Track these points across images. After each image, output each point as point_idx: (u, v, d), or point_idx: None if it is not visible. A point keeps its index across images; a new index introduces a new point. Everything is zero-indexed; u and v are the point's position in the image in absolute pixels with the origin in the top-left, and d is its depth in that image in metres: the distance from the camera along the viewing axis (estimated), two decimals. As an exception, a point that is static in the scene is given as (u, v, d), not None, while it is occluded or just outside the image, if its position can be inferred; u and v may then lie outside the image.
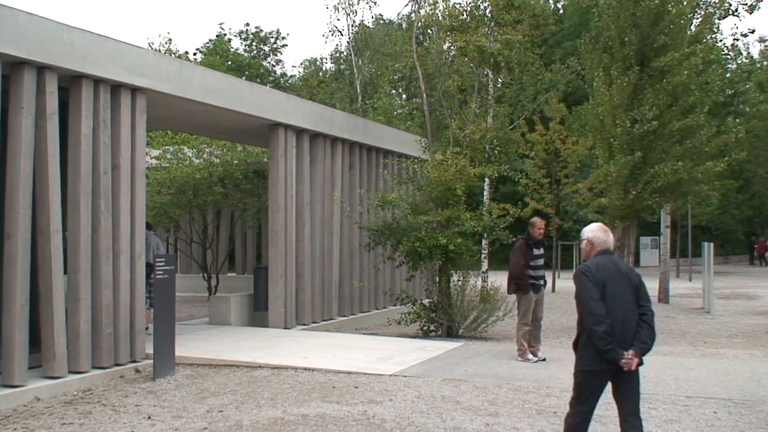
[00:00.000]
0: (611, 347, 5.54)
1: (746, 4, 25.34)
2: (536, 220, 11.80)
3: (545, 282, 11.87)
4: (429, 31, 19.16)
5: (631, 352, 5.59)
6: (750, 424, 7.76)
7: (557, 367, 10.88)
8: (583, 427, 5.84)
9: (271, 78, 55.78)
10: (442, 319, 14.21)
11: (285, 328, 14.39)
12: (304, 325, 14.95)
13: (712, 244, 22.37)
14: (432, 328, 14.38)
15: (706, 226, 48.59)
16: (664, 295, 24.06)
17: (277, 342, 12.85)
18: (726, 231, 54.79)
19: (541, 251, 11.67)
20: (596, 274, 5.70)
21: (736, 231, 55.46)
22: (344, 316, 16.45)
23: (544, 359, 11.39)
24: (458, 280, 14.50)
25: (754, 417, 8.04)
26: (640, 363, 5.70)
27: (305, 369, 10.60)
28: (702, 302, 21.90)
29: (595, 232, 6.03)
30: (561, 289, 27.75)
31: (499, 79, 23.43)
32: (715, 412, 8.25)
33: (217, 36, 56.15)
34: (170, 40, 46.45)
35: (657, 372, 10.56)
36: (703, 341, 14.47)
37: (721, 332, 15.91)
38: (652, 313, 5.84)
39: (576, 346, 5.92)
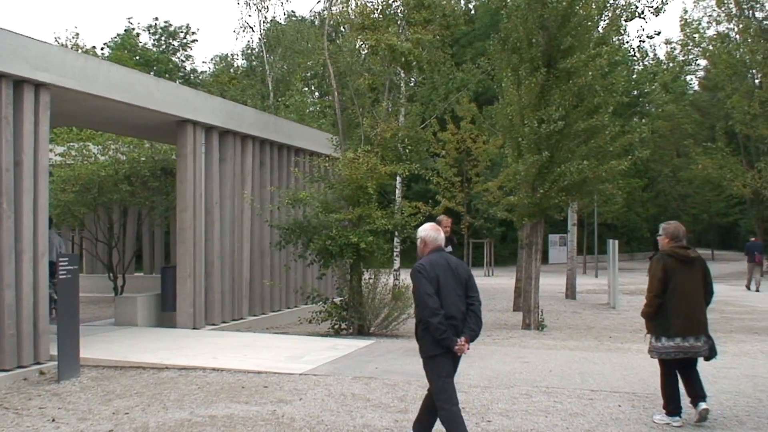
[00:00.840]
0: (446, 335, 6.23)
1: (652, 7, 26.06)
2: (442, 217, 11.92)
3: None
4: (341, 28, 19.13)
5: (462, 339, 6.31)
6: (652, 416, 7.98)
7: (466, 364, 10.95)
8: (457, 403, 6.43)
9: (180, 74, 54.96)
10: (354, 318, 14.23)
11: (193, 328, 14.20)
12: (213, 325, 14.77)
13: (617, 242, 23.01)
14: (343, 326, 14.39)
15: (612, 224, 49.91)
16: (570, 291, 24.62)
17: (185, 342, 12.66)
18: (631, 228, 56.39)
19: (449, 249, 11.76)
20: (430, 271, 6.31)
21: (642, 228, 57.09)
22: (255, 315, 16.32)
23: None
24: (369, 278, 14.54)
25: (657, 410, 8.28)
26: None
27: (214, 369, 10.47)
28: (607, 298, 22.48)
29: (427, 231, 6.62)
30: (472, 287, 28.13)
31: (412, 78, 23.60)
32: (619, 406, 8.47)
33: (125, 30, 55.08)
34: (77, 34, 45.36)
35: (562, 366, 10.81)
36: (608, 336, 14.84)
37: (625, 327, 16.34)
38: (479, 303, 6.56)
39: (417, 335, 6.59)
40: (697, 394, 7.83)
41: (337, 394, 8.89)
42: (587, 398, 8.82)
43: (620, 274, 29.64)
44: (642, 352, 12.11)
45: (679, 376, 7.97)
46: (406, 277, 18.36)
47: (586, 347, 13.12)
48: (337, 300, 14.80)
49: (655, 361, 9.76)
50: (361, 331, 14.18)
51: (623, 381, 9.90)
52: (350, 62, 16.30)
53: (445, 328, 6.21)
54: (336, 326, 14.36)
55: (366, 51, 16.49)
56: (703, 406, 7.73)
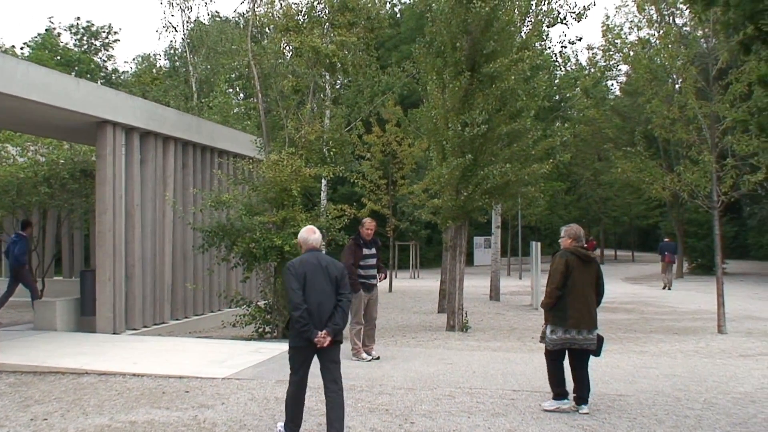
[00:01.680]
0: (307, 328, 6.79)
1: (574, 13, 26.52)
2: (366, 220, 11.93)
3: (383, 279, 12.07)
4: (266, 30, 18.99)
5: (324, 332, 6.83)
6: (573, 416, 8.12)
7: (390, 366, 11.04)
8: (299, 395, 7.10)
9: (102, 74, 53.91)
10: (278, 321, 14.14)
11: (114, 333, 13.94)
12: (134, 329, 14.52)
13: (539, 243, 23.32)
14: (267, 329, 14.29)
15: (536, 226, 50.68)
16: (494, 293, 24.89)
17: (105, 347, 12.41)
18: (554, 231, 57.12)
19: (373, 251, 11.76)
20: (299, 268, 6.92)
21: (564, 231, 58.02)
22: (177, 319, 16.09)
23: (377, 358, 11.52)
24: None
25: (545, 399, 8.46)
26: (339, 341, 7.07)
27: (134, 375, 10.28)
28: (531, 299, 22.79)
29: (301, 234, 7.35)
30: (398, 289, 28.21)
31: (337, 81, 23.56)
32: (540, 405, 8.58)
33: (46, 30, 53.79)
34: (-5, 34, 44.14)
35: (485, 367, 10.92)
36: (531, 337, 15.03)
37: (547, 328, 16.58)
38: (348, 301, 7.14)
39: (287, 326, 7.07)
40: (582, 396, 8.42)
41: (260, 398, 8.81)
42: (509, 398, 8.93)
43: (543, 276, 30.11)
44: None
45: (571, 373, 8.53)
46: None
47: (509, 348, 13.28)
48: (262, 303, 14.68)
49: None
50: (286, 335, 14.07)
51: (545, 381, 9.97)
52: (274, 64, 16.19)
53: (306, 321, 6.78)
54: (260, 330, 14.25)
55: (290, 53, 16.40)
56: (584, 410, 8.32)
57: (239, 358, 11.43)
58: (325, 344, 6.87)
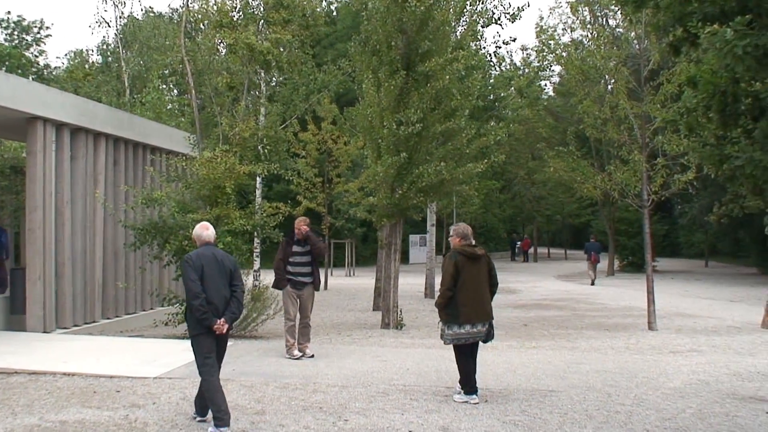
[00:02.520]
0: (206, 316, 7.27)
1: (508, 14, 26.78)
2: (300, 219, 11.94)
3: (317, 280, 11.93)
4: (201, 26, 18.79)
5: (222, 320, 7.37)
6: (505, 412, 8.19)
7: (324, 364, 11.02)
8: (217, 383, 7.41)
9: (33, 69, 52.68)
10: (211, 319, 13.96)
11: (44, 332, 13.67)
12: (64, 328, 14.24)
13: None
14: (201, 328, 14.10)
15: (471, 224, 50.96)
16: (430, 291, 25.00)
17: (35, 347, 12.16)
18: (489, 229, 57.92)
19: (306, 249, 11.70)
20: (196, 261, 7.39)
21: (499, 229, 58.73)
22: (108, 318, 15.82)
23: (312, 356, 11.47)
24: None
25: (510, 405, 8.50)
26: (230, 328, 7.60)
27: (64, 374, 10.08)
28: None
29: (196, 230, 7.84)
30: (333, 287, 28.18)
31: (273, 78, 23.41)
32: (453, 397, 8.68)
33: (-25, 25, 52.40)
34: None
35: (419, 364, 10.97)
36: (465, 334, 15.12)
37: (482, 325, 16.71)
38: (242, 291, 7.73)
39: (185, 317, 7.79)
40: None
41: (192, 398, 8.69)
42: (443, 395, 8.98)
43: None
44: (497, 350, 12.47)
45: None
46: (266, 278, 18.24)
47: (443, 345, 13.30)
48: (195, 302, 14.48)
49: (511, 359, 10.16)
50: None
51: (478, 378, 10.08)
52: (208, 60, 16.03)
53: (206, 310, 7.26)
54: (192, 329, 14.06)
55: (225, 50, 16.25)
56: (474, 399, 8.70)
57: (171, 357, 11.29)
58: (224, 331, 7.45)
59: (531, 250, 58.54)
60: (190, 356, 11.33)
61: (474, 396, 8.72)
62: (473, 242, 9.12)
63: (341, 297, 24.27)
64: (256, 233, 14.80)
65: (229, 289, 7.53)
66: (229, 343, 12.60)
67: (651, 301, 16.22)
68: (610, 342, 14.08)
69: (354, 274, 38.04)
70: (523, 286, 30.07)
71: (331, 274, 32.01)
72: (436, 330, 15.65)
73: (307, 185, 26.06)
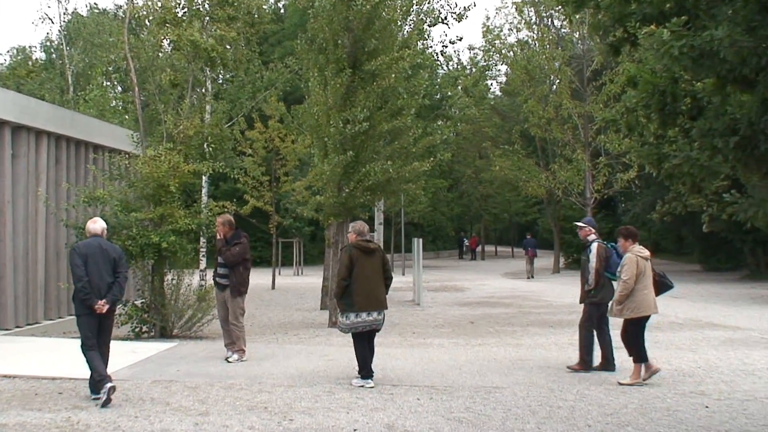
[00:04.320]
0: (88, 296, 8.36)
1: (455, 13, 26.91)
2: (218, 217, 11.90)
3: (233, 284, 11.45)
4: (145, 22, 18.54)
5: (103, 301, 8.43)
6: (450, 409, 8.24)
7: (271, 363, 10.98)
8: (98, 358, 8.55)
9: (-25, 66, 51.60)
10: (155, 320, 13.82)
11: (-16, 333, 13.38)
12: (6, 330, 13.93)
13: (421, 240, 23.59)
14: (144, 329, 13.95)
15: (419, 223, 51.22)
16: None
17: (-25, 349, 11.91)
18: (437, 227, 58.16)
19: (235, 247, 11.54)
20: (82, 249, 8.57)
21: (447, 227, 58.96)
22: (51, 319, 15.52)
23: (235, 360, 11.20)
24: (172, 279, 14.18)
25: (454, 402, 8.56)
26: (112, 309, 8.88)
27: (5, 376, 9.88)
28: (413, 295, 23.03)
29: (87, 224, 9.05)
30: (281, 286, 28.05)
31: (219, 76, 23.22)
32: (418, 399, 8.69)
33: None
34: None
35: (365, 363, 10.97)
36: (412, 332, 15.19)
37: (429, 323, 16.79)
38: (125, 278, 8.86)
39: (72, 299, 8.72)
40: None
41: (135, 399, 8.62)
42: (388, 393, 9.00)
43: (426, 272, 30.49)
44: (444, 347, 12.54)
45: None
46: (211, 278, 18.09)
47: (389, 343, 13.37)
48: (138, 302, 14.33)
49: (456, 356, 10.24)
50: (164, 334, 13.80)
51: (423, 375, 10.18)
52: (152, 57, 15.82)
53: (88, 291, 8.34)
54: (137, 329, 13.89)
55: (169, 46, 16.06)
56: (370, 383, 9.40)
57: (114, 359, 11.02)
58: (104, 311, 8.48)
59: (479, 249, 58.96)
60: (135, 357, 11.28)
61: (369, 380, 9.46)
62: (369, 238, 10.00)
63: (289, 296, 24.17)
64: (201, 232, 14.66)
65: (113, 276, 8.61)
66: (172, 344, 12.62)
67: (595, 298, 16.40)
68: (555, 338, 14.23)
69: (302, 273, 37.92)
70: (471, 284, 30.26)
71: (279, 274, 31.87)
72: (388, 328, 15.70)
73: (254, 184, 25.90)
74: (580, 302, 11.01)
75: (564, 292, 25.82)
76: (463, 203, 57.53)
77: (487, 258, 57.97)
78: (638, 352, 9.83)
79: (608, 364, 10.72)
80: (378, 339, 13.50)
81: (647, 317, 9.94)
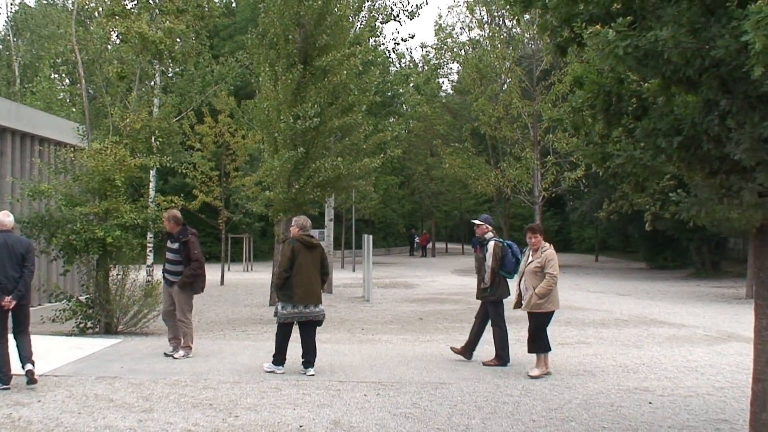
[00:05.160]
0: None
1: (407, 11, 26.98)
2: (165, 212, 11.83)
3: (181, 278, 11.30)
4: (94, 14, 18.27)
5: (9, 297, 8.55)
6: (396, 404, 8.25)
7: (217, 360, 10.90)
8: (5, 350, 8.85)
9: None
10: (100, 316, 13.63)
11: None
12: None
13: (371, 236, 23.60)
14: (89, 324, 13.74)
15: (370, 220, 51.23)
16: (327, 285, 24.94)
17: None
18: (388, 224, 58.22)
19: (175, 246, 11.44)
20: None
21: (398, 224, 59.09)
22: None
23: (181, 357, 11.09)
24: (118, 275, 14.00)
25: (401, 398, 8.58)
26: (23, 304, 8.86)
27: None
28: (362, 291, 23.03)
29: None
30: (230, 282, 27.86)
31: (169, 69, 22.95)
32: (365, 395, 8.69)
33: None
34: None
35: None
36: (361, 328, 15.19)
37: (378, 319, 16.80)
38: (30, 273, 8.81)
39: None
40: (309, 360, 10.04)
41: (78, 395, 8.49)
42: (335, 389, 8.98)
43: (376, 268, 30.53)
44: (392, 343, 12.56)
45: (301, 342, 10.08)
46: (159, 273, 17.89)
47: (338, 339, 13.37)
48: (83, 298, 14.12)
49: (404, 352, 10.30)
50: (109, 330, 13.62)
51: (371, 371, 10.18)
52: (100, 49, 15.60)
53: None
54: (81, 325, 13.68)
55: (118, 38, 15.85)
56: (311, 372, 9.87)
57: (58, 354, 10.97)
58: (10, 306, 8.61)
59: (429, 246, 59.16)
60: (79, 353, 11.13)
61: (281, 367, 9.95)
62: (311, 233, 10.29)
63: (237, 292, 24.01)
64: (148, 227, 14.49)
65: (20, 270, 8.67)
66: (117, 340, 12.46)
67: (542, 295, 16.58)
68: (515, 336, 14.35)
69: (252, 269, 37.72)
70: (420, 281, 30.35)
71: (228, 269, 31.67)
72: (337, 324, 15.74)
73: (204, 179, 25.65)
74: (477, 298, 11.42)
75: (512, 289, 26.06)
76: (413, 200, 57.69)
77: (438, 255, 58.20)
78: (547, 344, 10.17)
79: (502, 360, 10.96)
80: (326, 335, 13.57)
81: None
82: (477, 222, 11.41)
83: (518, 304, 10.41)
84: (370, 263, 22.39)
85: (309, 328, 10.10)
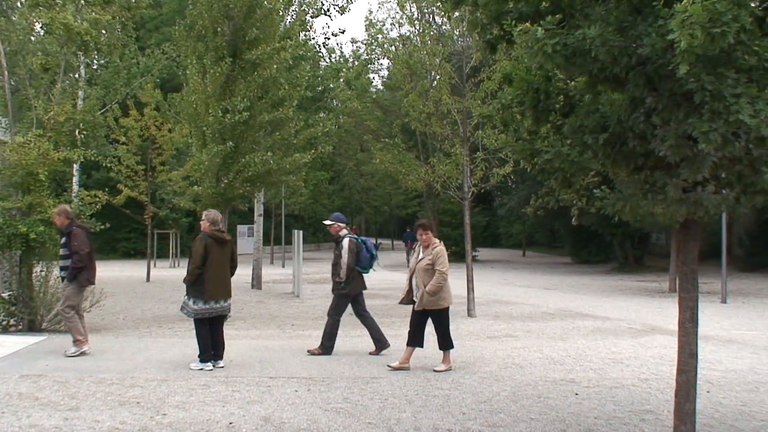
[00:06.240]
0: None
1: (338, 6, 26.92)
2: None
3: (75, 273, 11.16)
4: (18, 4, 17.76)
5: None
6: (327, 399, 8.25)
7: (144, 357, 10.76)
8: None
9: None
10: (23, 313, 13.31)
11: None
12: None
13: (301, 232, 23.50)
14: (12, 322, 13.41)
15: (299, 215, 51.04)
16: (257, 282, 24.82)
17: None
18: (318, 219, 57.98)
19: (63, 240, 11.34)
20: None
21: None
22: None
23: (72, 354, 10.92)
24: (42, 271, 13.68)
25: (332, 393, 8.58)
26: None
27: None
28: (293, 287, 22.94)
29: None
30: (156, 278, 27.46)
31: (95, 61, 22.44)
32: (296, 391, 8.68)
33: None
34: None
35: (243, 356, 10.90)
36: (291, 324, 15.14)
37: (308, 315, 16.76)
38: None
39: None
40: (218, 354, 10.10)
41: (2, 394, 8.29)
42: (265, 385, 8.94)
43: (306, 264, 30.42)
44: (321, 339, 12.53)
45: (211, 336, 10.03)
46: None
47: (268, 336, 13.32)
48: (5, 295, 13.76)
49: (335, 346, 10.28)
50: (32, 327, 13.31)
51: (301, 367, 10.17)
52: (23, 40, 15.16)
53: None
54: (4, 322, 13.34)
55: (41, 29, 15.45)
56: (220, 364, 9.99)
57: (-22, 353, 10.69)
58: None
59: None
60: (1, 351, 10.85)
61: (209, 364, 9.88)
62: (222, 228, 10.31)
63: (164, 289, 23.67)
64: (71, 222, 14.17)
65: None
66: (41, 338, 12.18)
67: (471, 289, 16.76)
68: (431, 329, 14.40)
69: (179, 266, 37.22)
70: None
71: (155, 266, 31.19)
72: (267, 321, 15.65)
73: (129, 173, 25.18)
74: (332, 292, 11.52)
75: (400, 285, 26.30)
76: (344, 196, 57.65)
77: (368, 251, 58.20)
78: (449, 339, 10.24)
79: (381, 344, 11.31)
80: (256, 331, 13.52)
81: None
82: (328, 222, 11.74)
83: (405, 300, 10.48)
84: (301, 259, 22.31)
85: (218, 321, 10.20)
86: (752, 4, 4.74)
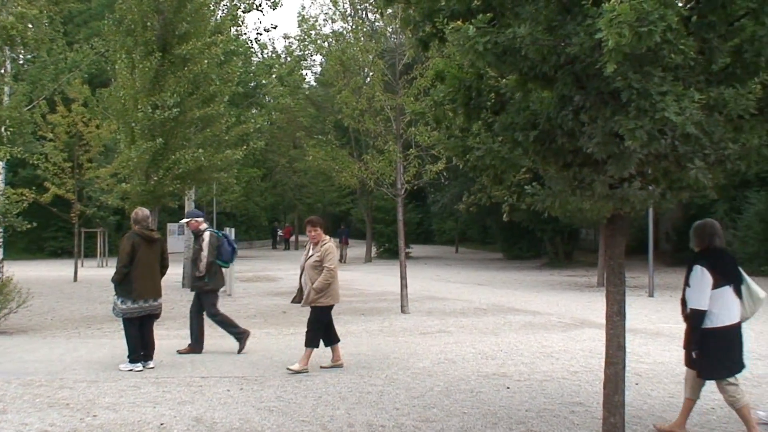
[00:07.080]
0: None
1: (270, 1, 26.70)
2: None
3: None
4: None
5: None
6: (260, 398, 8.19)
7: (72, 359, 10.55)
8: None
9: None
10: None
11: None
12: None
13: (234, 229, 23.31)
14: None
15: (232, 212, 50.60)
16: (187, 280, 24.51)
17: None
18: (250, 217, 57.65)
19: None
20: None
21: (260, 217, 58.55)
22: None
23: None
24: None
25: (265, 391, 8.52)
26: None
27: None
28: (225, 286, 22.71)
29: None
30: (84, 278, 26.93)
31: (21, 56, 21.95)
32: (228, 390, 8.59)
33: None
34: None
35: (173, 356, 10.77)
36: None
37: (241, 313, 16.60)
38: None
39: None
40: (148, 354, 9.99)
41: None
42: (197, 385, 8.84)
43: (238, 262, 30.14)
44: (255, 337, 12.46)
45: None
46: (9, 268, 17.15)
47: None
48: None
49: (268, 346, 10.27)
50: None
51: (233, 366, 10.08)
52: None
53: None
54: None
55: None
56: (150, 365, 9.89)
57: None
58: None
59: (292, 238, 58.96)
60: None
61: (138, 364, 9.76)
62: (150, 226, 10.18)
63: (92, 289, 23.22)
64: (-3, 221, 13.85)
65: None
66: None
67: (404, 285, 16.82)
68: (365, 326, 14.46)
69: (107, 265, 36.53)
70: (284, 274, 30.23)
71: (82, 265, 30.60)
72: (183, 318, 15.44)
73: (56, 170, 24.64)
74: (192, 290, 11.57)
75: (375, 281, 26.34)
76: (276, 193, 57.30)
77: (301, 248, 58.01)
78: (318, 338, 9.96)
79: (198, 345, 11.30)
80: (187, 331, 13.30)
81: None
82: (184, 220, 11.68)
83: (297, 299, 10.44)
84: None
85: (148, 321, 10.09)
86: (679, 4, 4.85)
